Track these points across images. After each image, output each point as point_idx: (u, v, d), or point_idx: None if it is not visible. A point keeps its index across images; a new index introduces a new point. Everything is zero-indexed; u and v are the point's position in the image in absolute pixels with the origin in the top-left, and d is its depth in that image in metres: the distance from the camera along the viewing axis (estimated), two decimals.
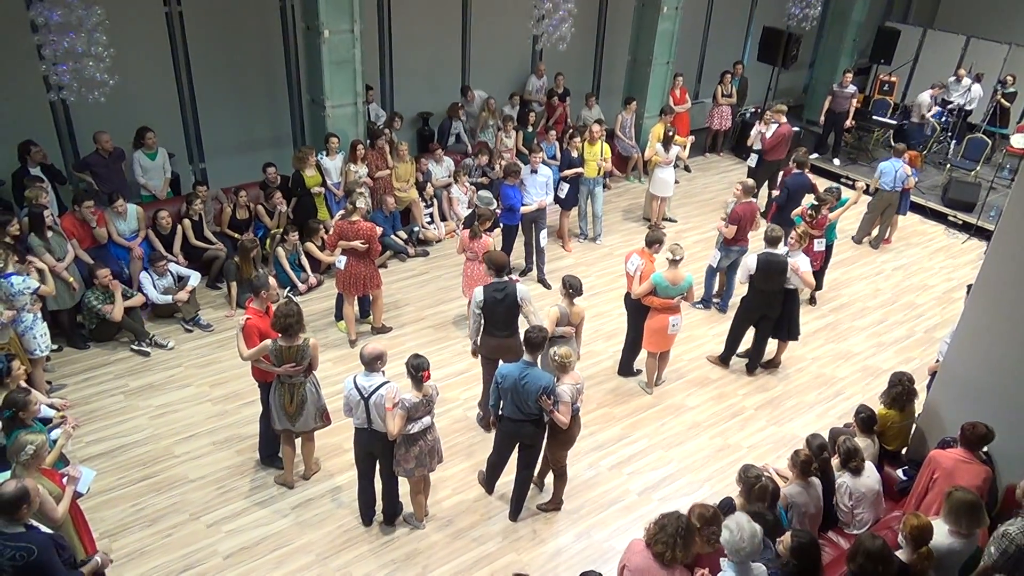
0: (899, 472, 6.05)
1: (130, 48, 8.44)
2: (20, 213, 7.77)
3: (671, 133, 10.67)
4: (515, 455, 6.08)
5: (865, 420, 5.91)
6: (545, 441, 5.96)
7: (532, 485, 6.44)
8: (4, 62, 8.33)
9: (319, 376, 6.04)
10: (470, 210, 10.66)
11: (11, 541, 4.14)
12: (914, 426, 6.32)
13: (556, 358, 5.66)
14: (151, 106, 9.44)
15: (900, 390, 6.10)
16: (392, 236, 9.79)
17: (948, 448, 5.46)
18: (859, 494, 5.43)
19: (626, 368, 7.93)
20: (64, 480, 4.80)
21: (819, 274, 9.32)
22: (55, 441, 5.28)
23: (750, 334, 8.04)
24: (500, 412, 5.88)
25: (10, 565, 4.12)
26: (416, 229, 10.13)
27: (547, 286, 9.44)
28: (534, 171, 9.25)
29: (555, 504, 6.29)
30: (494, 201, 8.38)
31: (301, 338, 5.68)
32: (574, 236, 10.69)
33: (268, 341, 5.70)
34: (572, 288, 6.52)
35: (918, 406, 6.36)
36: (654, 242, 7.33)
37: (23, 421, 5.04)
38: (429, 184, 10.28)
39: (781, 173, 10.94)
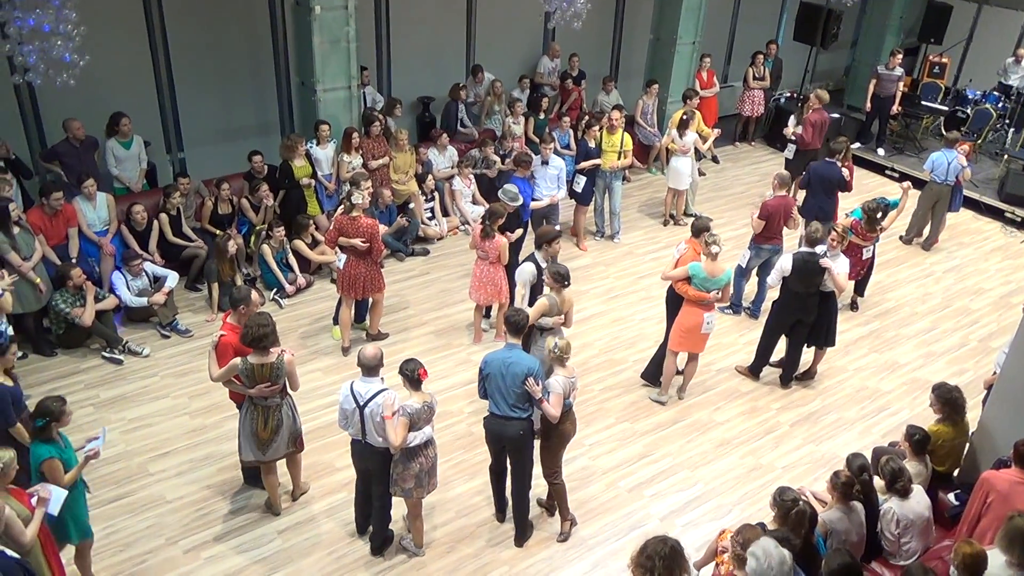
0: (951, 496, 6.02)
1: (103, 26, 8.49)
2: None
3: (686, 117, 10.66)
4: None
5: (919, 442, 5.87)
6: (538, 445, 5.99)
7: (542, 509, 6.45)
8: None
9: (309, 385, 6.05)
10: (475, 205, 10.73)
11: None
12: (967, 444, 6.28)
13: (556, 351, 5.73)
14: (125, 90, 9.49)
15: (959, 398, 6.06)
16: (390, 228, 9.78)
17: (1003, 469, 5.43)
18: (907, 521, 5.40)
19: (653, 375, 7.93)
20: (33, 501, 4.82)
21: (863, 280, 9.30)
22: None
23: (783, 343, 8.03)
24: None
25: None
26: (412, 206, 10.13)
27: None
28: (545, 162, 9.25)
29: (569, 522, 6.28)
30: (519, 198, 8.39)
31: (274, 353, 5.65)
32: (590, 234, 10.69)
33: (237, 360, 5.63)
34: (562, 277, 6.65)
35: (972, 422, 6.33)
36: (701, 230, 7.38)
37: (50, 434, 5.02)
38: (430, 176, 10.30)
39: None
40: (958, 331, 9.27)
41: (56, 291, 7.74)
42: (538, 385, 5.62)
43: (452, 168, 10.63)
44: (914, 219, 10.96)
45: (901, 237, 11.09)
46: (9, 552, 4.41)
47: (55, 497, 4.99)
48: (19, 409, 5.73)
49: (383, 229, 8.23)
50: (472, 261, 8.26)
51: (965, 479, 6.17)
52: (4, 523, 4.45)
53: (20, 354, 7.38)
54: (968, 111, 13.45)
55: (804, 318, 7.69)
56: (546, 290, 6.78)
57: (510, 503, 6.27)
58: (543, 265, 7.10)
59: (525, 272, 7.13)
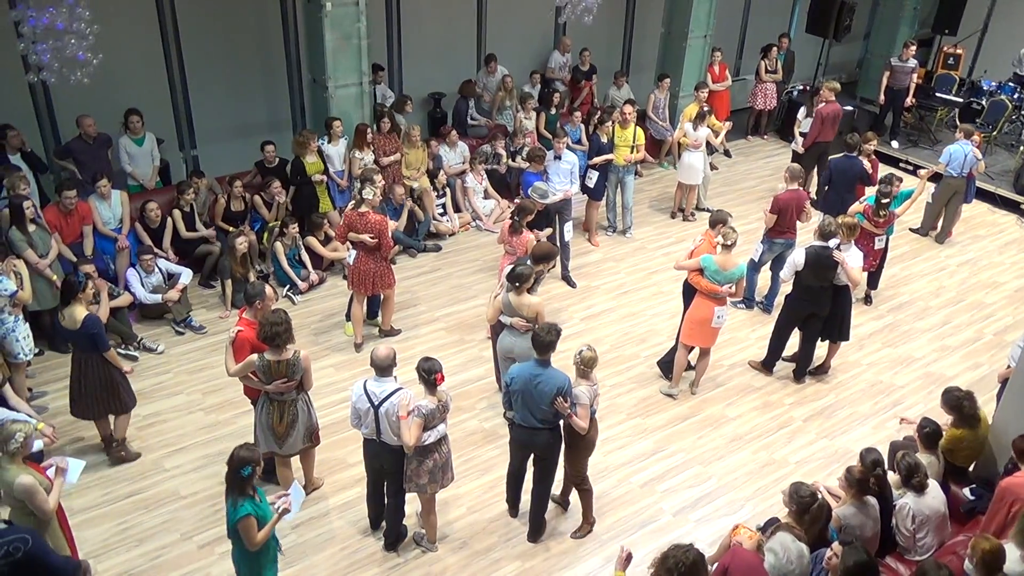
0: (966, 491, 5.97)
1: (116, 24, 8.51)
2: None
3: (706, 110, 10.61)
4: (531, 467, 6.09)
5: (928, 436, 5.83)
6: (563, 451, 5.97)
7: (555, 505, 6.44)
8: None
9: (321, 382, 6.07)
10: (487, 201, 10.73)
11: (1, 537, 4.38)
12: (986, 441, 6.23)
13: (579, 363, 5.68)
14: (138, 87, 9.52)
15: (968, 406, 6.00)
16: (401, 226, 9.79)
17: (1016, 472, 5.36)
18: (923, 517, 5.36)
19: (668, 364, 7.90)
20: (50, 472, 5.02)
21: (876, 272, 9.24)
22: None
23: (796, 337, 7.99)
24: (511, 419, 5.93)
25: (6, 562, 4.33)
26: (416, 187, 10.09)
27: (572, 284, 9.42)
28: (558, 157, 9.21)
29: (588, 526, 6.28)
30: (549, 194, 8.38)
31: (290, 351, 5.67)
32: (601, 229, 10.65)
33: (254, 356, 5.68)
34: (516, 279, 6.62)
35: (987, 417, 6.28)
36: (717, 223, 7.41)
37: (249, 487, 4.81)
38: (442, 172, 10.29)
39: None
40: (973, 325, 9.20)
41: None
42: (567, 402, 5.57)
43: (463, 164, 10.61)
44: (929, 212, 10.87)
45: (916, 230, 11.00)
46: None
47: (72, 467, 5.21)
48: None
49: (392, 225, 8.23)
50: (488, 256, 8.29)
51: (980, 473, 6.13)
52: (29, 491, 4.74)
53: (37, 350, 7.44)
54: (983, 102, 13.32)
55: (817, 312, 7.64)
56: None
57: (524, 501, 6.27)
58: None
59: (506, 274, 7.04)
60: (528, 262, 6.97)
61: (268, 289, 6.17)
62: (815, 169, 11.34)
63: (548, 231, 8.80)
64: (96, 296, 7.67)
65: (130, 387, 6.61)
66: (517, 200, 8.77)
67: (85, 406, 6.44)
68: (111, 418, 6.64)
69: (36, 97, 9.11)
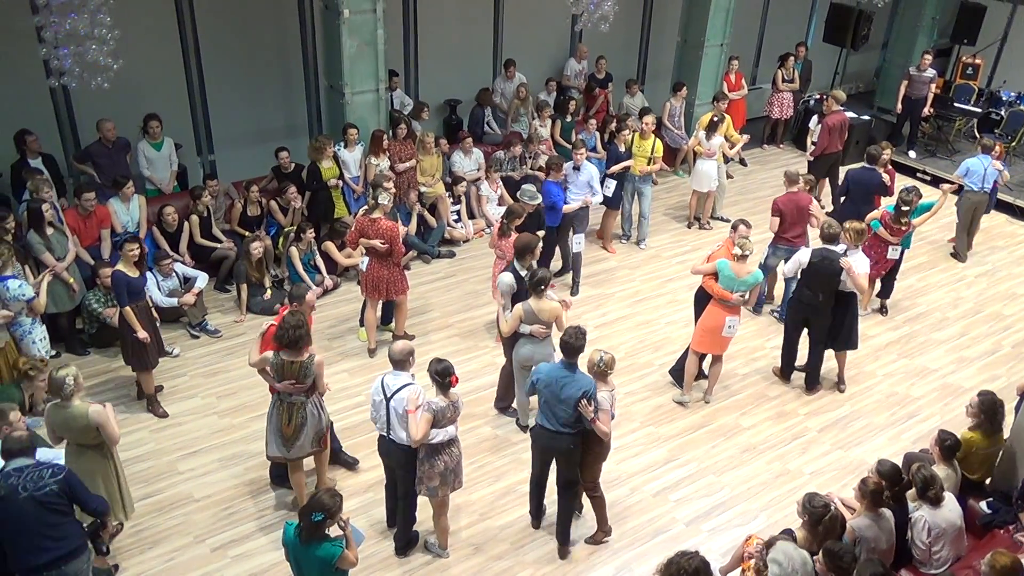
0: (982, 504, 5.92)
1: (136, 30, 8.59)
2: (19, 209, 7.95)
3: (716, 119, 10.60)
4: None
5: (949, 448, 5.78)
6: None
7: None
8: (1, 45, 8.54)
9: (335, 387, 6.09)
10: (501, 207, 10.72)
11: (39, 466, 4.76)
12: (1001, 453, 6.18)
13: (601, 365, 5.67)
14: (157, 93, 9.61)
15: (1001, 413, 5.95)
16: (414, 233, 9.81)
17: None
18: (939, 529, 5.32)
19: (680, 372, 7.87)
20: (105, 407, 5.47)
21: (888, 283, 9.17)
22: None
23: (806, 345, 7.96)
24: (530, 425, 5.91)
25: (55, 480, 4.71)
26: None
27: (574, 291, 9.40)
28: (577, 168, 9.18)
29: (604, 532, 6.26)
30: (539, 196, 8.39)
31: (306, 354, 5.71)
32: (615, 237, 10.63)
33: (269, 353, 5.74)
34: (538, 284, 6.60)
35: (1005, 430, 6.23)
36: (739, 225, 7.49)
37: (326, 530, 4.75)
38: (464, 181, 10.29)
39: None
40: (991, 336, 9.12)
41: (89, 291, 7.85)
42: (591, 406, 5.56)
43: (479, 171, 10.63)
44: (960, 233, 10.55)
45: (954, 255, 10.71)
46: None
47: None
48: (135, 298, 6.90)
49: (403, 230, 8.27)
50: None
51: (998, 487, 6.07)
52: (104, 416, 5.33)
53: (54, 352, 7.52)
54: (1002, 113, 13.24)
55: (811, 317, 7.62)
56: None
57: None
58: (522, 274, 6.97)
59: (503, 282, 6.98)
60: (517, 265, 7.02)
61: (311, 295, 6.35)
62: (827, 180, 11.33)
63: (540, 234, 8.71)
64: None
65: (152, 348, 7.06)
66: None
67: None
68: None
69: (57, 101, 9.21)
